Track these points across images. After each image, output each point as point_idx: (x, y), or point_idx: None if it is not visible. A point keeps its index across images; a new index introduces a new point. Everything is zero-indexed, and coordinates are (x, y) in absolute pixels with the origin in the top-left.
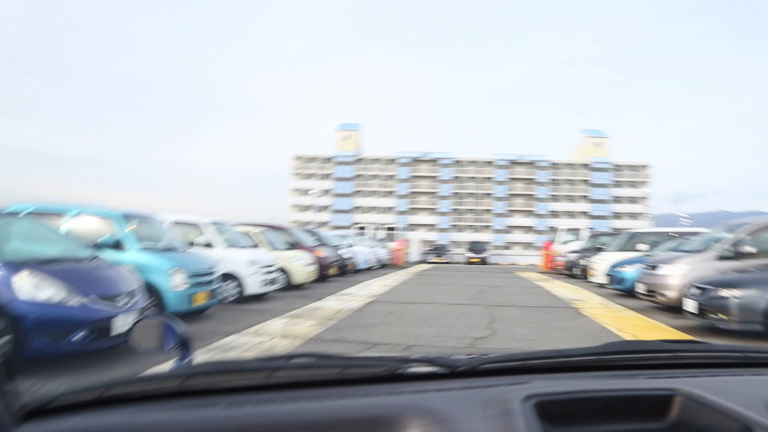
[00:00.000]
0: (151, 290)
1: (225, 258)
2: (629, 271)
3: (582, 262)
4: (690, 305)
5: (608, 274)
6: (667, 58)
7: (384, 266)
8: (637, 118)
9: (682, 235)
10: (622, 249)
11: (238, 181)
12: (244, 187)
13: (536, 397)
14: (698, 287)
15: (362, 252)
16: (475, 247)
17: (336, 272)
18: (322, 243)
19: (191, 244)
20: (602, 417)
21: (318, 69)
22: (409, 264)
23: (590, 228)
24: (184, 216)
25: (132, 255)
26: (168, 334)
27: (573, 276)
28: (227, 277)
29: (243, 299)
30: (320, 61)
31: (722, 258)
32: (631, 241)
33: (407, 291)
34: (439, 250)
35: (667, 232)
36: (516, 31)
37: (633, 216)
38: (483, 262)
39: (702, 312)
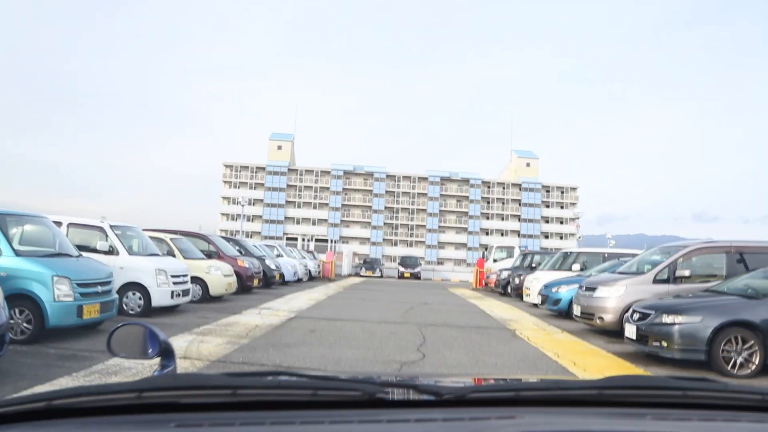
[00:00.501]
0: (30, 301)
1: (129, 266)
2: (564, 292)
3: (515, 280)
4: (630, 330)
5: (542, 294)
6: (588, 81)
7: (313, 279)
8: (566, 139)
9: (615, 256)
10: (555, 268)
11: (172, 188)
12: (179, 195)
13: None
14: (639, 312)
15: (290, 263)
16: (408, 262)
17: (260, 284)
18: (246, 252)
19: (94, 250)
20: None
21: (252, 79)
22: (339, 277)
23: (522, 246)
24: (84, 218)
25: (6, 260)
26: (150, 341)
27: (505, 294)
28: (131, 287)
29: (148, 312)
30: (255, 71)
31: (658, 281)
32: (564, 260)
33: (334, 306)
34: (371, 263)
35: (601, 253)
36: (451, 48)
37: (562, 236)
38: (415, 277)
39: (642, 338)
